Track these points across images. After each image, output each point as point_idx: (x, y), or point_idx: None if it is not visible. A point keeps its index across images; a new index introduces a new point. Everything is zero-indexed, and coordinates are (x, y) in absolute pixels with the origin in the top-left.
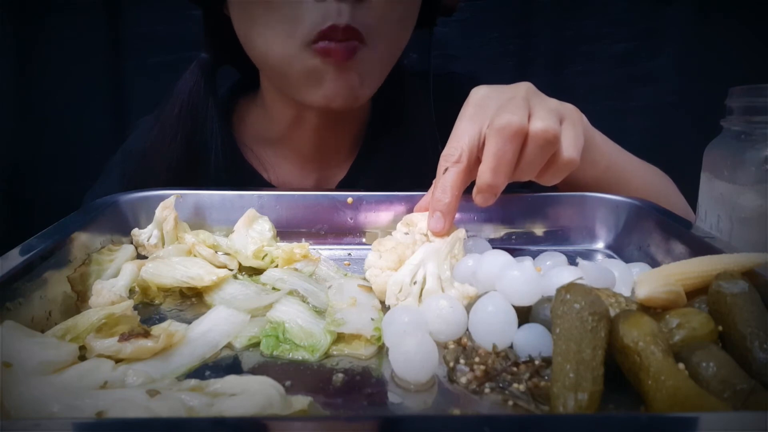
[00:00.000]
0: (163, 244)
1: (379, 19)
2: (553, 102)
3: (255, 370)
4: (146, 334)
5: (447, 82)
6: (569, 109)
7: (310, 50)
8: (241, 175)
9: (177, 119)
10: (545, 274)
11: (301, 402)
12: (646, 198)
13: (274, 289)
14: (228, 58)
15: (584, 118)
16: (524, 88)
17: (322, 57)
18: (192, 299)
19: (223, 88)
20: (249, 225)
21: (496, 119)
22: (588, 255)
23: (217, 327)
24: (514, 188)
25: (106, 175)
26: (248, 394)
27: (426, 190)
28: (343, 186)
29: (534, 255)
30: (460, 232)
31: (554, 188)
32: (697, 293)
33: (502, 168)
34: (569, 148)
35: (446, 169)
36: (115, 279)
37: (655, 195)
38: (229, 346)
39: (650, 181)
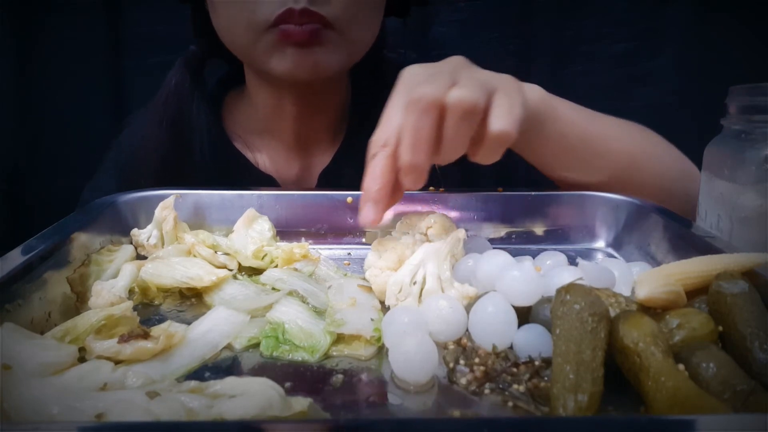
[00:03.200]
0: (163, 244)
1: (341, 3)
2: (485, 73)
3: (255, 371)
4: (146, 335)
5: None
6: (504, 80)
7: (271, 33)
8: (229, 164)
9: (163, 106)
10: (545, 274)
11: (300, 403)
12: (636, 160)
13: (273, 289)
14: (215, 51)
15: (523, 88)
16: (454, 61)
17: (282, 38)
18: (192, 300)
19: (215, 79)
20: (249, 225)
21: (411, 93)
22: (588, 254)
23: (216, 328)
24: (514, 187)
25: (103, 168)
26: (248, 395)
27: None
28: (327, 174)
29: (534, 254)
30: (460, 233)
31: (553, 186)
32: (697, 293)
33: (421, 144)
34: (500, 119)
35: (374, 156)
36: (114, 280)
37: (640, 155)
38: (228, 347)
39: (632, 141)
